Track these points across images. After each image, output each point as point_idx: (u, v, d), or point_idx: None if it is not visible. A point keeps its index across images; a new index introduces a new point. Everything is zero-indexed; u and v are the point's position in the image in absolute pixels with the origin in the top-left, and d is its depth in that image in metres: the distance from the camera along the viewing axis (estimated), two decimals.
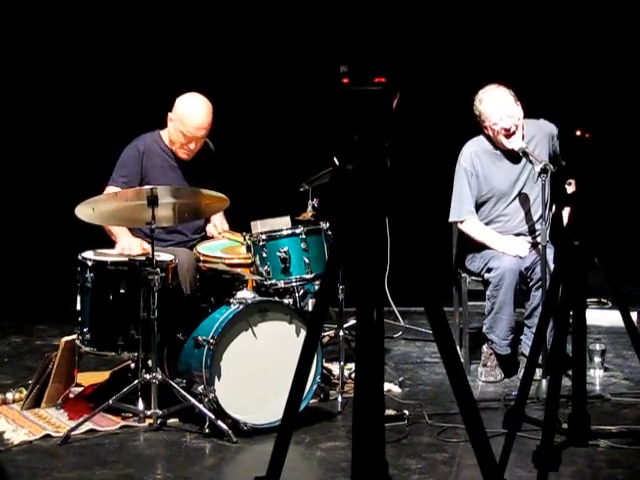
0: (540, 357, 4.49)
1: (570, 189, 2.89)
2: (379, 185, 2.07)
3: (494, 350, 5.09)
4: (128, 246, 4.65)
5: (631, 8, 6.64)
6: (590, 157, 2.72)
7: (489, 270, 5.02)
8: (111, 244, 4.78)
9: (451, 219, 5.24)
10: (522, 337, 5.08)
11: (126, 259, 4.55)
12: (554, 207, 3.14)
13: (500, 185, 5.14)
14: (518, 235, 5.13)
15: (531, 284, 4.97)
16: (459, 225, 5.22)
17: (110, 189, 4.80)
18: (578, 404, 3.07)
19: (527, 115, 5.08)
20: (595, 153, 2.72)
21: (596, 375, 5.13)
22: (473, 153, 5.16)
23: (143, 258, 4.47)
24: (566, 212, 2.92)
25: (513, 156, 5.08)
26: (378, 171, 2.05)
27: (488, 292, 5.03)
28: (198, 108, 4.82)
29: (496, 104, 5.00)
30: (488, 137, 5.12)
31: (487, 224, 5.17)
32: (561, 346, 2.86)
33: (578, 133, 2.70)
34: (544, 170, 4.76)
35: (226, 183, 4.84)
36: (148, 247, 4.53)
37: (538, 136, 5.08)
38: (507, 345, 5.06)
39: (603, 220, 2.80)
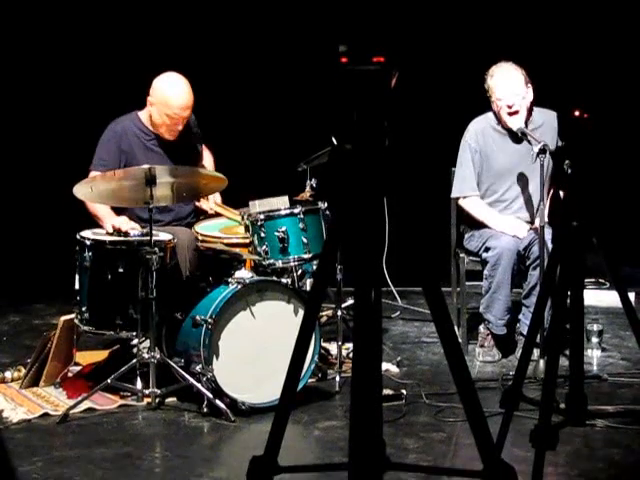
0: (538, 337, 4.49)
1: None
2: (377, 165, 2.06)
3: (491, 330, 5.09)
4: (118, 223, 4.64)
5: None
6: (588, 137, 2.71)
7: (487, 249, 5.02)
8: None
9: (453, 195, 5.25)
10: (520, 317, 5.08)
11: (124, 238, 4.55)
12: (552, 188, 3.15)
13: (500, 164, 5.14)
14: (517, 215, 5.13)
15: (528, 263, 4.97)
16: (460, 201, 5.21)
17: (92, 174, 4.78)
18: (575, 384, 3.07)
19: (539, 103, 5.08)
20: (593, 133, 2.72)
21: (594, 355, 5.14)
22: (478, 130, 5.16)
23: (141, 237, 4.47)
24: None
25: (516, 137, 5.07)
26: (376, 151, 2.05)
27: (485, 272, 5.03)
28: (179, 88, 4.78)
29: (504, 80, 5.02)
30: (496, 115, 5.11)
31: (487, 203, 5.16)
32: (559, 326, 2.86)
33: (576, 113, 2.70)
34: (542, 150, 4.74)
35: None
36: (136, 225, 4.59)
37: (546, 125, 5.06)
38: (503, 325, 5.06)
39: (602, 201, 2.79)
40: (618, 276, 2.90)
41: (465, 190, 5.18)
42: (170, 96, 4.77)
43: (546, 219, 4.78)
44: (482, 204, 5.17)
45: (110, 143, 4.85)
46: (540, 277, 4.80)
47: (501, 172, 5.14)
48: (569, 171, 2.72)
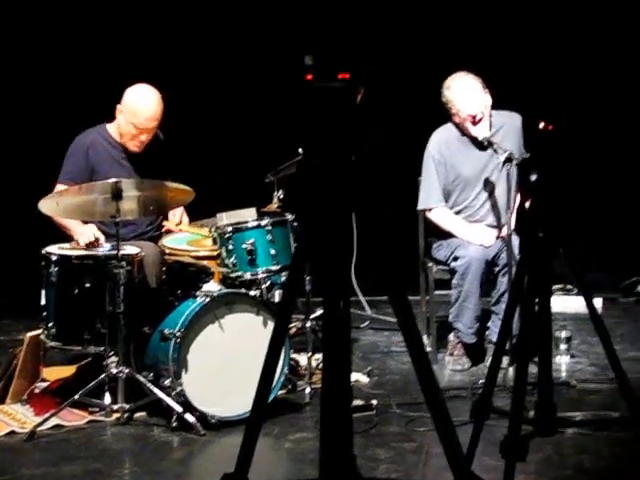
0: (507, 345, 4.52)
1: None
2: (344, 179, 2.07)
3: (461, 339, 5.12)
4: (85, 234, 4.61)
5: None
6: (553, 149, 2.74)
7: (455, 259, 5.04)
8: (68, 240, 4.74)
9: (419, 207, 5.27)
10: (490, 324, 5.11)
11: (91, 253, 4.52)
12: (519, 198, 3.17)
13: (467, 173, 5.17)
14: (486, 222, 5.16)
15: (497, 270, 5.00)
16: (427, 213, 5.24)
17: (59, 187, 4.77)
18: (544, 392, 3.09)
19: (495, 106, 5.11)
20: (559, 145, 2.74)
21: (562, 362, 5.17)
22: (441, 141, 5.18)
23: (108, 251, 4.46)
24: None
25: (481, 145, 5.10)
26: (343, 165, 2.06)
27: (454, 281, 5.05)
28: (149, 99, 4.79)
29: (463, 91, 5.03)
30: (457, 125, 5.14)
31: (454, 212, 5.19)
32: (527, 336, 2.88)
33: (541, 125, 2.72)
34: (508, 159, 4.76)
35: (182, 173, 4.81)
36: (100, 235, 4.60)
37: (506, 127, 5.10)
38: (473, 334, 5.09)
39: (567, 210, 2.82)
40: (585, 285, 2.93)
41: (431, 202, 5.20)
42: (138, 105, 4.76)
43: (513, 226, 4.81)
44: (448, 214, 5.19)
45: (77, 156, 4.83)
46: (509, 283, 4.82)
47: (468, 180, 5.18)
48: (534, 181, 2.74)
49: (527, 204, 2.90)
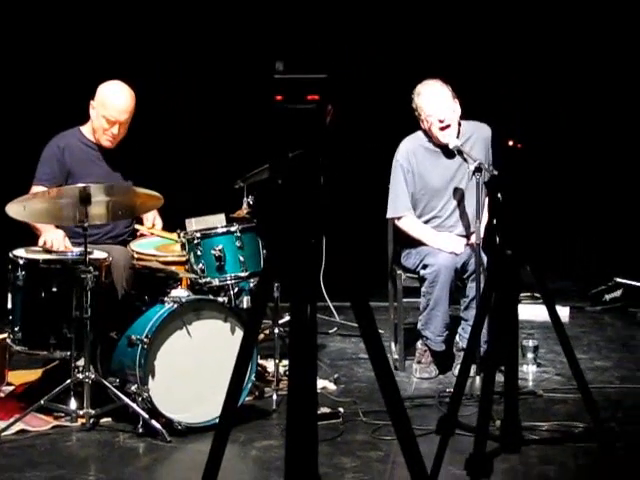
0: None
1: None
2: (311, 200, 2.08)
3: (429, 346, 5.14)
4: (51, 240, 4.60)
5: (564, 19, 6.74)
6: (522, 167, 2.76)
7: (424, 267, 5.07)
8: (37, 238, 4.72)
9: (388, 215, 5.30)
10: (459, 330, 5.14)
11: (59, 257, 4.51)
12: (486, 216, 3.19)
13: (435, 182, 5.20)
14: (455, 231, 5.20)
15: (466, 276, 5.04)
16: (396, 221, 5.27)
17: (35, 188, 4.79)
18: (510, 402, 3.11)
19: (465, 116, 5.16)
20: (527, 163, 2.77)
21: (529, 371, 5.21)
22: (409, 149, 5.22)
23: (76, 256, 4.44)
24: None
25: (450, 154, 5.14)
26: (310, 187, 2.07)
27: (423, 289, 5.08)
28: (120, 92, 4.85)
29: (433, 96, 5.08)
30: (426, 133, 5.18)
31: (423, 221, 5.22)
32: (495, 349, 2.90)
33: (510, 143, 2.74)
34: (478, 169, 4.82)
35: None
36: (69, 245, 4.59)
37: (474, 137, 5.15)
38: (442, 341, 5.12)
39: (535, 227, 2.84)
40: (552, 305, 2.95)
41: (399, 210, 5.23)
42: (109, 98, 4.82)
43: (482, 235, 4.84)
44: (417, 222, 5.22)
45: (53, 159, 4.86)
46: (478, 290, 4.86)
47: (437, 189, 5.21)
48: (502, 200, 2.77)
49: (495, 222, 2.92)
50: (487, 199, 2.95)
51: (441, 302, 5.02)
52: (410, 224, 5.22)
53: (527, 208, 2.75)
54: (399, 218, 5.24)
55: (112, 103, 4.81)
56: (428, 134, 5.17)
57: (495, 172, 3.03)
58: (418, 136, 5.23)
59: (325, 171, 2.06)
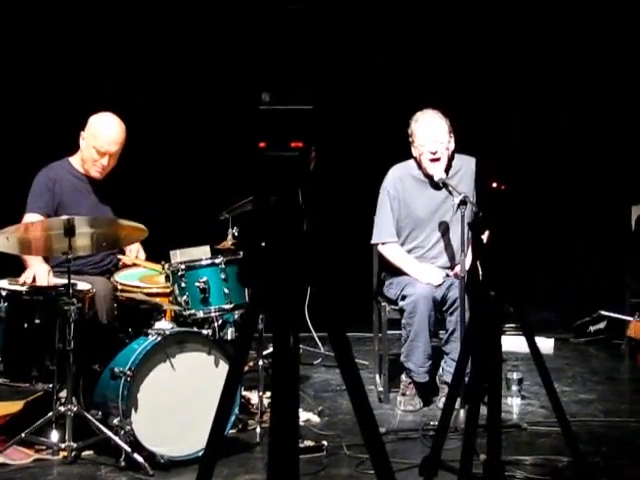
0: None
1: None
2: (295, 246, 2.09)
3: (412, 378, 5.15)
4: (33, 275, 4.58)
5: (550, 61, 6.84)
6: (506, 209, 2.78)
7: (403, 298, 5.09)
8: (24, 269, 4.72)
9: (372, 241, 5.34)
10: (442, 364, 5.15)
11: (42, 288, 4.50)
12: (470, 257, 3.20)
13: (419, 212, 5.24)
14: (437, 262, 5.23)
15: (445, 308, 5.05)
16: (379, 247, 5.30)
17: (28, 216, 4.80)
18: (494, 436, 3.11)
19: (457, 150, 5.21)
20: (511, 205, 2.78)
21: (513, 403, 5.21)
22: (397, 176, 5.26)
23: (59, 287, 4.44)
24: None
25: (437, 185, 5.18)
26: (294, 239, 2.08)
27: (403, 320, 5.09)
28: (111, 123, 4.89)
29: (429, 127, 5.14)
30: (416, 162, 5.22)
31: (406, 250, 5.25)
32: (478, 385, 2.91)
33: (494, 185, 2.76)
34: (463, 202, 4.86)
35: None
36: (52, 280, 4.56)
37: (463, 170, 5.20)
38: (425, 372, 5.12)
39: (518, 267, 2.86)
40: (535, 347, 2.96)
41: (383, 236, 5.27)
42: (100, 129, 4.86)
43: (467, 268, 4.85)
44: (399, 250, 5.25)
45: (43, 190, 4.88)
46: (459, 324, 4.86)
47: (421, 219, 5.24)
48: (486, 243, 2.78)
49: (478, 263, 2.93)
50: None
51: (421, 333, 5.03)
52: (392, 251, 5.25)
53: (511, 249, 2.76)
54: (383, 244, 5.27)
55: (103, 134, 4.84)
56: (418, 163, 5.21)
57: (477, 211, 3.02)
58: (408, 164, 5.28)
59: (308, 211, 2.06)
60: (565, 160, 6.97)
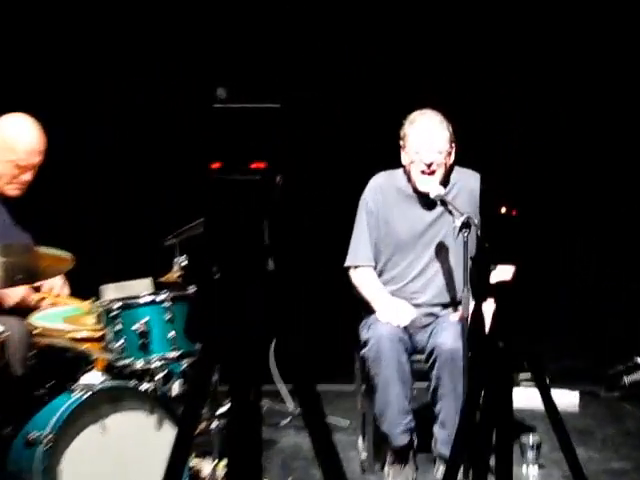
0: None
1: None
2: (257, 287, 2.10)
3: (391, 442, 5.09)
4: None
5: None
6: (519, 239, 2.77)
7: (365, 343, 5.06)
8: None
9: (346, 263, 5.31)
10: (434, 431, 5.06)
11: None
12: (472, 302, 3.18)
13: (401, 233, 5.20)
14: (417, 301, 5.20)
15: (429, 363, 5.01)
16: (351, 272, 5.27)
17: None
18: None
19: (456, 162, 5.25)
20: (525, 234, 2.77)
21: (529, 473, 5.22)
22: (379, 186, 5.24)
23: None
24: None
25: (428, 203, 5.16)
26: (257, 278, 2.09)
27: (369, 371, 5.05)
28: (28, 129, 4.87)
29: (426, 130, 5.12)
30: (406, 173, 5.18)
31: (386, 279, 5.25)
32: (483, 462, 2.92)
33: (503, 210, 2.74)
34: (465, 224, 4.76)
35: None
36: None
37: (458, 186, 5.16)
38: (402, 433, 5.06)
39: (533, 311, 2.87)
40: (552, 404, 2.98)
41: (358, 259, 5.26)
42: (17, 139, 4.83)
43: (471, 310, 4.83)
44: (370, 278, 5.23)
45: None
46: (444, 379, 4.89)
47: (403, 242, 5.20)
48: (495, 284, 2.77)
49: (486, 309, 2.93)
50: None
51: (391, 384, 4.96)
52: (362, 278, 5.25)
53: (524, 291, 2.76)
54: (356, 267, 5.26)
55: (22, 145, 4.82)
56: (407, 173, 5.20)
57: (482, 241, 3.01)
58: (394, 174, 5.26)
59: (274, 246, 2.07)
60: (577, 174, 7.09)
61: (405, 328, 5.06)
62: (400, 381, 4.98)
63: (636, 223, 7.04)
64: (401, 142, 5.20)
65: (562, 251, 6.88)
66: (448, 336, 4.97)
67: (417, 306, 5.20)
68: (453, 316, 5.12)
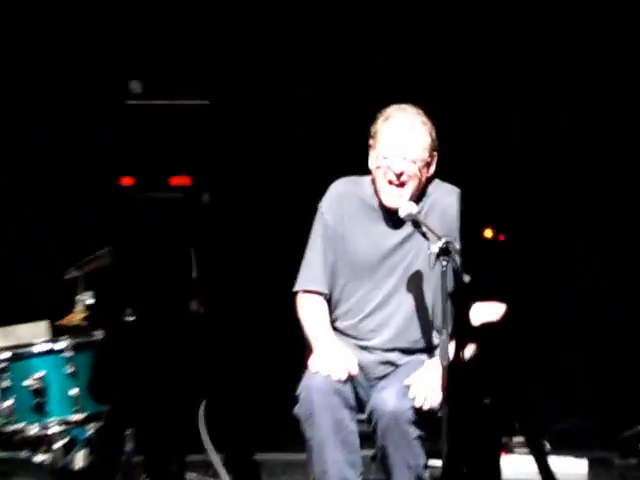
0: None
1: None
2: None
3: None
4: None
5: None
6: (508, 269, 2.70)
7: (297, 398, 4.91)
8: None
9: (295, 288, 5.15)
10: None
11: None
12: (453, 345, 3.04)
13: (361, 254, 5.05)
14: (372, 339, 5.06)
15: (372, 428, 4.86)
16: (298, 297, 5.11)
17: None
18: None
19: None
20: (514, 261, 2.71)
21: None
22: (339, 195, 5.12)
23: None
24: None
25: (395, 218, 5.00)
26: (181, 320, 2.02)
27: (303, 432, 4.91)
28: None
29: (401, 130, 4.96)
30: (372, 180, 5.07)
31: (334, 317, 5.07)
32: None
33: (488, 234, 2.67)
34: (444, 250, 4.65)
35: None
36: None
37: (432, 200, 5.02)
38: None
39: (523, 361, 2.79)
40: (546, 467, 2.87)
41: (307, 282, 5.09)
42: None
43: (451, 356, 4.69)
44: (317, 310, 5.05)
45: None
46: (412, 451, 4.68)
47: (362, 266, 5.04)
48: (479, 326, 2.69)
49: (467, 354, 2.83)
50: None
51: (326, 448, 4.80)
52: (308, 308, 5.08)
53: (515, 330, 2.69)
54: (304, 292, 5.10)
55: None
56: (373, 179, 5.06)
57: (460, 271, 2.91)
58: (360, 181, 5.12)
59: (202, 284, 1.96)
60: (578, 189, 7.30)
61: (350, 380, 4.90)
62: (340, 444, 4.83)
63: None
64: (370, 141, 5.07)
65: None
66: (390, 394, 4.80)
67: (371, 350, 5.05)
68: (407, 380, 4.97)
